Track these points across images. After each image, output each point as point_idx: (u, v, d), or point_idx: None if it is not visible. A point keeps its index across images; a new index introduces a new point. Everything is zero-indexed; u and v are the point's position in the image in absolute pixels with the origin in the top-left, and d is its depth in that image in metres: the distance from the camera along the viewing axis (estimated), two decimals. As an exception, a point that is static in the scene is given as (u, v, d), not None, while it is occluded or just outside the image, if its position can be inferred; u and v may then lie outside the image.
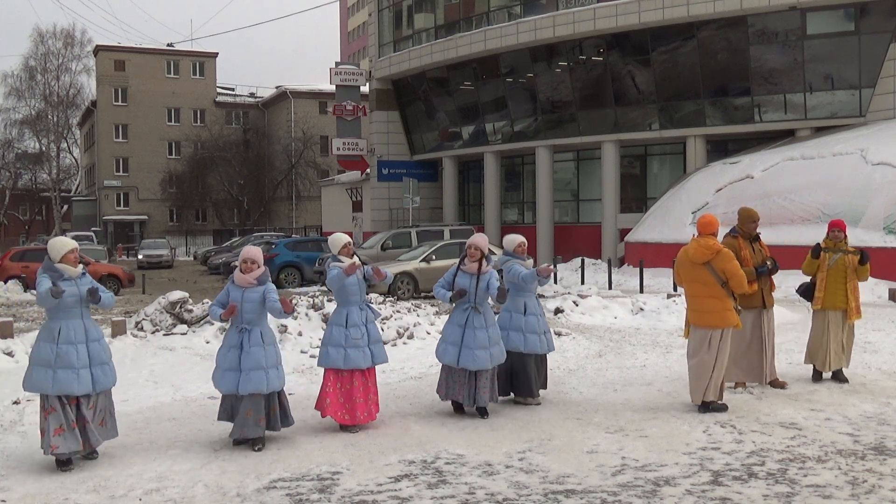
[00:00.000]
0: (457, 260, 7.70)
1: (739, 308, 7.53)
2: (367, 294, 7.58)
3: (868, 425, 6.84)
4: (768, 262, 8.20)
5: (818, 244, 8.60)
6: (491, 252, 7.65)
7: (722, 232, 8.23)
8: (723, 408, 7.38)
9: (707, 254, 7.34)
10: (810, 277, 8.76)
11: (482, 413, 7.35)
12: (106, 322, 13.24)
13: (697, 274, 7.41)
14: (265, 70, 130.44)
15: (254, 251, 6.68)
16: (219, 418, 6.71)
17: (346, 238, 7.42)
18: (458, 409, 7.51)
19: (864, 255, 8.61)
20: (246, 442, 6.46)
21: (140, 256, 39.98)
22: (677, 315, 13.21)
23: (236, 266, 6.86)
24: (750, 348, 8.30)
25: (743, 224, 8.35)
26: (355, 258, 7.21)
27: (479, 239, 7.52)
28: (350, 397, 6.94)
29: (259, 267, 6.61)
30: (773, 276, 8.41)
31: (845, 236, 8.73)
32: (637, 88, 28.87)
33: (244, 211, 56.72)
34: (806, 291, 8.70)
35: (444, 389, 7.49)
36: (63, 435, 5.87)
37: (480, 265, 7.37)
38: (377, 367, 7.54)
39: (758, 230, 8.47)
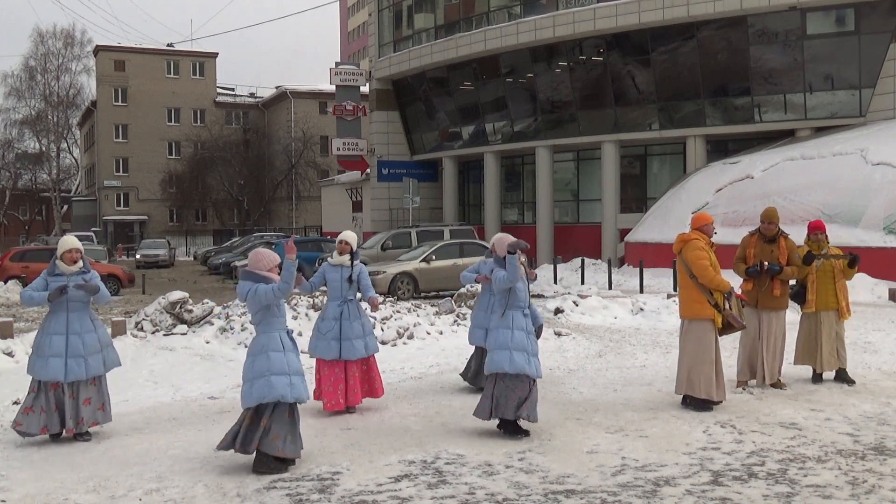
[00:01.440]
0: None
1: (722, 305, 7.38)
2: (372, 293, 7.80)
3: (868, 425, 6.84)
4: (759, 265, 8.17)
5: (810, 252, 8.50)
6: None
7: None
8: (703, 407, 7.34)
9: (678, 245, 7.60)
10: (796, 280, 8.74)
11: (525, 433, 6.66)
12: (106, 322, 13.24)
13: (679, 265, 7.63)
14: (265, 70, 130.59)
15: (277, 255, 6.24)
16: (242, 449, 5.78)
17: (346, 235, 7.81)
18: (513, 430, 6.65)
19: (854, 259, 8.59)
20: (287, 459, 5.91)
21: (137, 256, 40.19)
22: (677, 315, 13.19)
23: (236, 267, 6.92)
24: (745, 347, 8.36)
25: (760, 224, 8.42)
26: (345, 258, 7.67)
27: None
28: (321, 384, 7.57)
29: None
30: (778, 278, 8.33)
31: (826, 238, 8.72)
32: (637, 88, 28.87)
33: (244, 211, 56.73)
34: (797, 295, 8.66)
35: (498, 406, 6.60)
36: (28, 415, 6.56)
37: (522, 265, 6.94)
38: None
39: (779, 231, 8.41)
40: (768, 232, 8.35)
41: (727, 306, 7.41)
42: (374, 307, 7.95)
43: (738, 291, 7.89)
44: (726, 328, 7.52)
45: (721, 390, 7.45)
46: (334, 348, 7.49)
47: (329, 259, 7.82)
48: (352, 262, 7.66)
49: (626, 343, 11.75)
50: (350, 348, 7.51)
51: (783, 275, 8.25)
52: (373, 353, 7.74)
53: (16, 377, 9.19)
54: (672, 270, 18.65)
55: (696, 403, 7.40)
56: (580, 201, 32.09)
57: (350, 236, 7.82)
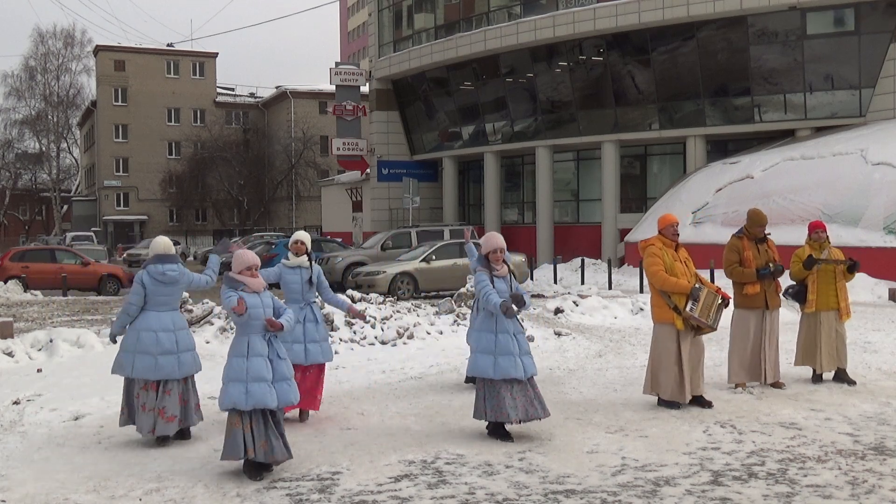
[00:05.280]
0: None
1: (684, 309, 7.36)
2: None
3: (868, 425, 6.84)
4: (770, 265, 8.18)
5: (811, 256, 8.48)
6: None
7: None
8: (671, 406, 7.45)
9: (641, 252, 7.74)
10: (796, 280, 8.72)
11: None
12: (107, 322, 13.25)
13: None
14: (265, 70, 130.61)
15: (255, 256, 6.16)
16: (249, 455, 5.64)
17: (301, 235, 7.52)
18: (505, 435, 6.60)
19: (854, 265, 8.59)
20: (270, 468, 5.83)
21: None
22: (677, 315, 13.20)
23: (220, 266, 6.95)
24: (752, 349, 8.31)
25: (750, 226, 8.37)
26: (302, 258, 7.39)
27: (500, 240, 6.82)
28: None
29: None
30: (778, 279, 8.37)
31: (827, 237, 8.72)
32: (637, 88, 28.87)
33: (244, 211, 56.71)
34: (798, 294, 8.65)
35: (501, 409, 6.49)
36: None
37: (508, 266, 6.86)
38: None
39: (766, 232, 8.47)
40: (760, 234, 8.36)
41: (688, 307, 7.32)
42: (357, 315, 8.01)
43: (724, 292, 7.81)
44: (698, 329, 7.51)
45: (684, 392, 7.46)
46: (298, 352, 7.09)
47: (285, 261, 7.43)
48: (310, 263, 7.38)
49: (626, 343, 11.75)
50: (317, 351, 7.25)
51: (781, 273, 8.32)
52: (327, 361, 7.40)
53: (16, 377, 9.19)
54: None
55: (663, 402, 7.55)
56: (580, 201, 32.08)
57: (305, 236, 7.48)
